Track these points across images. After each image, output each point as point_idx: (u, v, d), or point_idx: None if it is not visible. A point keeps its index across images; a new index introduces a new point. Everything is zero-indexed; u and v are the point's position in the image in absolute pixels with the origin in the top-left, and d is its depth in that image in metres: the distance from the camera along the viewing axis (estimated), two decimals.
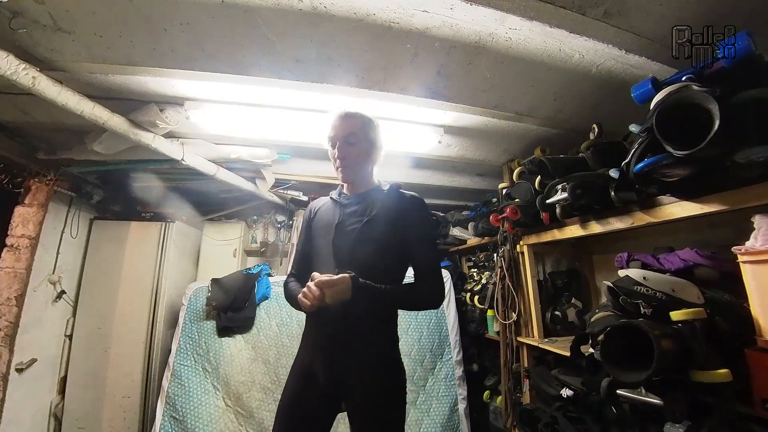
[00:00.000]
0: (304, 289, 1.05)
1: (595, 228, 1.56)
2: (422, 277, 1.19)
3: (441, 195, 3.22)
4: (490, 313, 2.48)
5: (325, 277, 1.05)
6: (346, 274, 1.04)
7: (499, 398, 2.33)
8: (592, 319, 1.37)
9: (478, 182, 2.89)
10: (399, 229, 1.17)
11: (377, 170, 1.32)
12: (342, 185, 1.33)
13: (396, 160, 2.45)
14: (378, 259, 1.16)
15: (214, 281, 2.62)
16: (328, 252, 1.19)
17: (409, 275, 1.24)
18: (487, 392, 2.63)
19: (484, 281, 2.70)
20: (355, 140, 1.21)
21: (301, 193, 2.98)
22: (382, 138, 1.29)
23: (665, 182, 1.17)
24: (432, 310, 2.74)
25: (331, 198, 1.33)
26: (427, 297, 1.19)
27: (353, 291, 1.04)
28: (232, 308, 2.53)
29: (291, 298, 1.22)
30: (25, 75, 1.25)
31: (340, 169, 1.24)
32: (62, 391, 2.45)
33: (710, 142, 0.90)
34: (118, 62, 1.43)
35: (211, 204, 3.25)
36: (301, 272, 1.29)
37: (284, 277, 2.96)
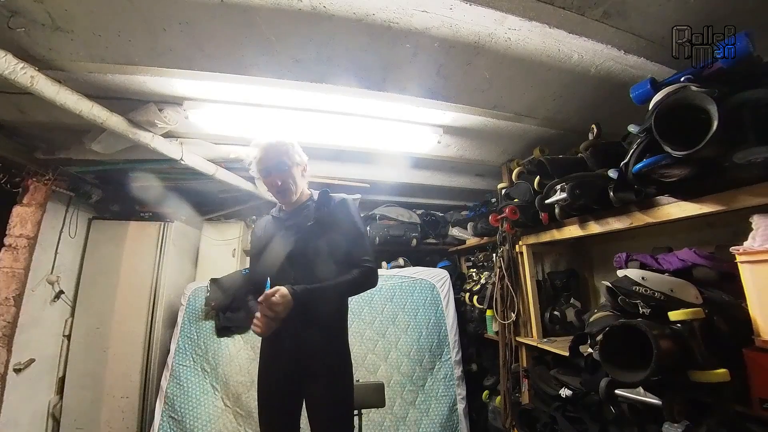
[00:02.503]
0: (254, 321, 1.19)
1: (594, 228, 1.57)
2: (354, 264, 1.35)
3: (440, 195, 3.22)
4: (489, 313, 2.48)
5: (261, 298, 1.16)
6: (282, 288, 1.17)
7: (498, 398, 2.33)
8: (591, 319, 1.37)
9: (477, 182, 2.90)
10: (332, 229, 1.36)
11: (305, 183, 1.47)
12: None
13: (395, 161, 2.45)
14: (326, 258, 1.33)
15: (213, 281, 2.61)
16: (282, 263, 1.35)
17: None
18: (486, 392, 2.64)
19: (483, 281, 2.70)
20: (285, 167, 1.36)
21: None
22: (301, 150, 1.44)
23: (664, 183, 1.17)
24: (431, 310, 2.76)
25: (272, 216, 1.50)
26: (360, 280, 1.33)
27: (294, 297, 1.17)
28: (231, 308, 2.53)
29: (251, 311, 1.33)
30: (23, 74, 1.25)
31: (278, 195, 1.40)
32: (60, 392, 2.44)
33: (709, 143, 0.90)
34: (116, 61, 1.43)
35: (210, 204, 3.25)
36: (257, 290, 1.42)
37: None
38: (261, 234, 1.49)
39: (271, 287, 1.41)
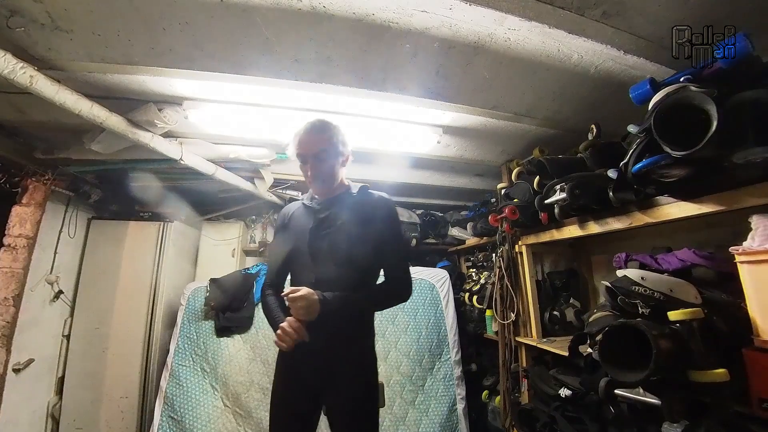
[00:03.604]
0: (279, 333, 1.10)
1: (594, 228, 1.57)
2: (389, 275, 1.26)
3: (440, 195, 3.22)
4: (488, 313, 2.48)
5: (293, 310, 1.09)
6: (309, 289, 1.09)
7: (498, 398, 2.33)
8: (591, 319, 1.37)
9: (476, 182, 2.90)
10: (369, 230, 1.22)
11: (346, 171, 1.34)
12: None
13: (395, 161, 2.45)
14: (353, 261, 1.21)
15: (213, 281, 2.61)
16: (306, 258, 1.24)
17: None
18: (485, 392, 2.64)
19: (482, 281, 2.70)
20: (326, 156, 1.22)
21: (300, 193, 2.98)
22: (347, 138, 1.29)
23: (663, 183, 1.18)
24: (431, 310, 2.75)
25: (303, 203, 1.36)
26: (394, 296, 1.26)
27: (322, 304, 1.08)
28: (231, 308, 2.53)
29: (271, 318, 1.25)
30: (22, 74, 1.25)
31: (313, 184, 1.27)
32: (60, 392, 2.44)
33: (708, 143, 0.90)
34: (116, 61, 1.42)
35: (210, 204, 3.24)
36: (277, 282, 1.34)
37: None
38: (287, 221, 1.34)
39: (292, 283, 1.30)
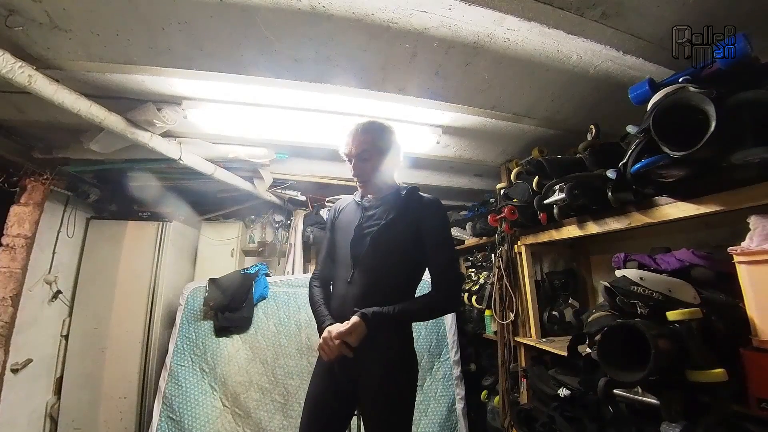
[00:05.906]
0: (321, 343, 1.12)
1: (593, 228, 1.57)
2: (437, 284, 1.22)
3: (439, 195, 3.13)
4: (487, 313, 2.48)
5: (337, 328, 1.11)
6: (357, 318, 1.10)
7: (497, 398, 2.33)
8: (589, 319, 1.37)
9: (476, 182, 2.90)
10: (415, 233, 1.22)
11: (398, 174, 1.39)
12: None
13: None
14: (393, 263, 1.21)
15: (212, 281, 2.61)
16: (345, 254, 1.26)
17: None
18: (484, 392, 2.64)
19: (482, 281, 2.70)
20: (368, 156, 1.26)
21: (299, 193, 2.98)
22: (398, 140, 1.34)
23: (662, 183, 1.18)
24: None
25: (354, 200, 1.40)
26: (442, 306, 1.24)
27: (368, 327, 1.10)
28: (230, 308, 2.53)
29: (315, 311, 1.28)
30: (21, 73, 1.25)
31: (359, 183, 1.31)
32: (58, 392, 2.43)
33: (706, 143, 0.90)
34: (115, 61, 1.42)
35: (209, 204, 3.24)
36: (325, 272, 1.37)
37: (282, 277, 2.96)
38: (337, 216, 1.38)
39: (334, 285, 1.33)
